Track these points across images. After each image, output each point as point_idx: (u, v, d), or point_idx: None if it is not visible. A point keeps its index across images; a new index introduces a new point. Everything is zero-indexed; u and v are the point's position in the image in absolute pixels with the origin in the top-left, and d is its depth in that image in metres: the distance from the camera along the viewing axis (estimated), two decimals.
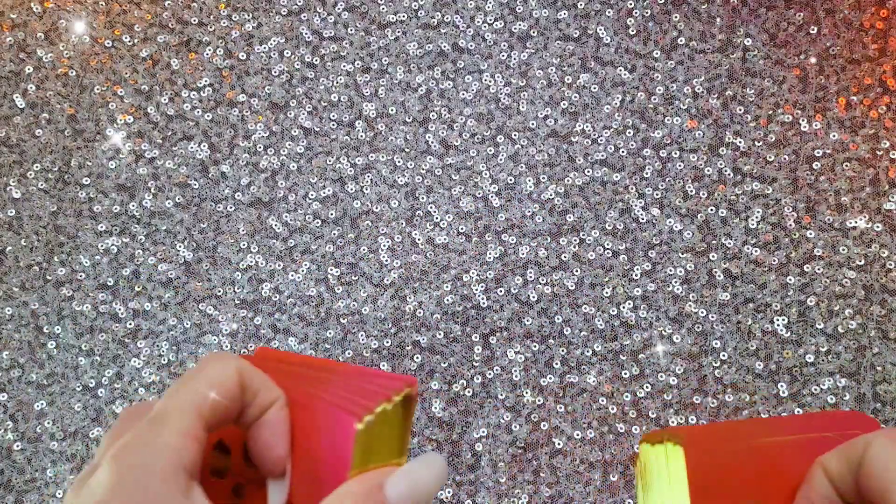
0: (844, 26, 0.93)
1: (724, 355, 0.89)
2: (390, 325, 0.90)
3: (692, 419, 0.88)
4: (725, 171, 0.91)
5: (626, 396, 0.89)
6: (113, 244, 0.91)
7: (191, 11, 0.95)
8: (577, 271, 0.91)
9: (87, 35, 0.90)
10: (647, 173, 0.92)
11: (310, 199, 0.92)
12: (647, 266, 0.90)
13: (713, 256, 0.90)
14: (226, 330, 0.90)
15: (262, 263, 0.91)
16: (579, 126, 0.93)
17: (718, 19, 0.94)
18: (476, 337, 0.90)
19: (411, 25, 0.94)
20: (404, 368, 0.90)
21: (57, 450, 0.88)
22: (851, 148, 0.91)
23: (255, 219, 0.91)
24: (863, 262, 0.89)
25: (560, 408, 0.89)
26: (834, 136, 0.91)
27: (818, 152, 0.91)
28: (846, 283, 0.88)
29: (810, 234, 0.89)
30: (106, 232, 0.91)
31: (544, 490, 0.91)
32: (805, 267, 0.89)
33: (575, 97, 0.93)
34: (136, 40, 0.95)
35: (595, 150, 0.92)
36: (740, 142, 0.92)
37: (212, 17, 0.95)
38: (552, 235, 0.91)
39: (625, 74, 0.93)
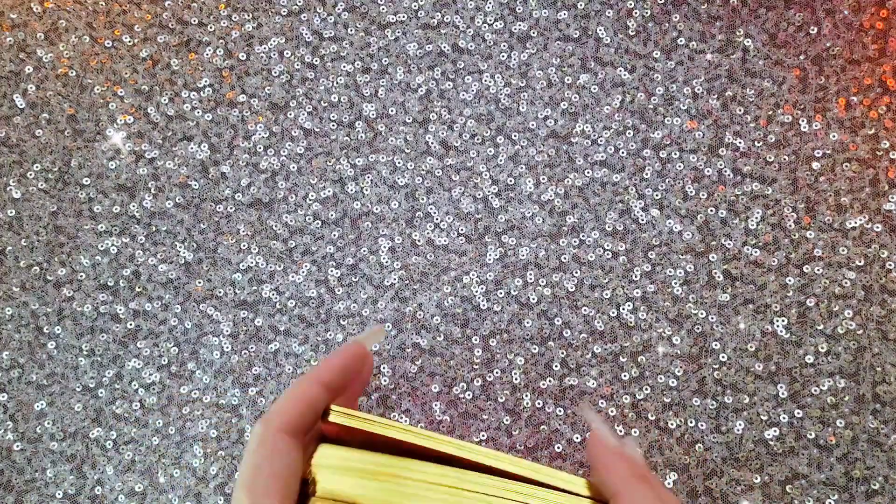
0: (844, 27, 0.93)
1: (723, 357, 0.89)
2: (390, 326, 0.90)
3: (691, 422, 0.88)
4: (725, 171, 0.91)
5: (626, 398, 0.89)
6: (113, 244, 0.91)
7: (191, 11, 0.95)
8: (576, 273, 0.91)
9: (87, 34, 0.90)
10: (646, 174, 0.92)
11: (310, 199, 0.92)
12: (647, 267, 0.90)
13: (713, 257, 0.90)
14: (226, 331, 0.90)
15: (262, 264, 0.91)
16: (579, 127, 0.93)
17: (718, 20, 0.94)
18: (476, 339, 0.90)
19: (411, 26, 0.94)
20: (404, 371, 0.90)
21: (57, 450, 0.88)
22: (851, 148, 0.91)
23: (256, 219, 0.92)
24: (862, 262, 0.89)
25: (560, 411, 0.90)
26: (834, 136, 0.91)
27: (818, 153, 0.91)
28: (846, 283, 0.89)
29: (810, 234, 0.90)
30: (106, 232, 0.91)
31: None
32: (805, 268, 0.89)
33: (575, 98, 0.93)
34: (136, 40, 0.94)
35: (595, 151, 0.92)
36: (740, 142, 0.92)
37: (212, 17, 0.95)
38: (552, 237, 0.91)
39: (625, 75, 0.93)
